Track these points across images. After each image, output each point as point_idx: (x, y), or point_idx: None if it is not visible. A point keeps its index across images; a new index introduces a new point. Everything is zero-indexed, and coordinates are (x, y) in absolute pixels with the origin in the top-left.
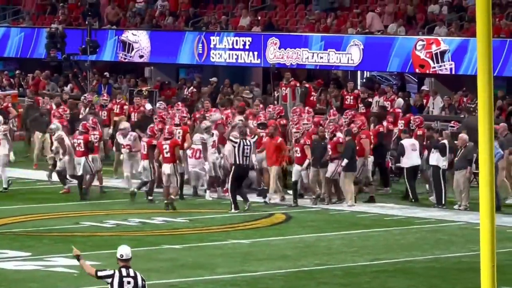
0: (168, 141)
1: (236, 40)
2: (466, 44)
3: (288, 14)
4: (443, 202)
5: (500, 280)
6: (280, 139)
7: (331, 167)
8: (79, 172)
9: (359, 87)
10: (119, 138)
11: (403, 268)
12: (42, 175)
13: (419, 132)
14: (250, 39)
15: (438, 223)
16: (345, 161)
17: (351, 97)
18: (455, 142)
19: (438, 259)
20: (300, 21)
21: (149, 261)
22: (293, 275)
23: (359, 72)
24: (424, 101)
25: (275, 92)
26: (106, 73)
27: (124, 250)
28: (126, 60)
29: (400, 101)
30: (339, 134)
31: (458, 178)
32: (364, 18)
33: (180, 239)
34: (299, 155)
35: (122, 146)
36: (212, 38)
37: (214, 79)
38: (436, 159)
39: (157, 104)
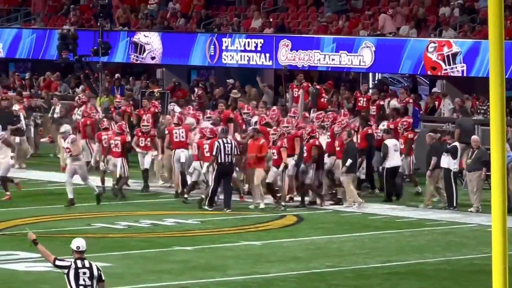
0: (209, 141)
1: (248, 42)
2: (478, 46)
3: (300, 16)
4: (455, 204)
5: None
6: (262, 141)
7: (309, 172)
8: (117, 173)
9: (370, 89)
10: (61, 141)
11: (414, 270)
12: (53, 176)
13: (410, 135)
14: (262, 41)
15: (449, 225)
16: (349, 161)
17: (364, 99)
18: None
19: (450, 261)
20: (312, 23)
21: (161, 263)
22: (305, 277)
23: (370, 74)
24: (436, 103)
25: (286, 94)
26: (118, 75)
27: (80, 242)
28: (138, 62)
29: (393, 102)
30: (323, 137)
31: (471, 180)
32: (376, 20)
33: (191, 241)
34: (276, 157)
35: (64, 149)
36: (224, 39)
37: (230, 80)
38: (447, 162)
39: (169, 106)
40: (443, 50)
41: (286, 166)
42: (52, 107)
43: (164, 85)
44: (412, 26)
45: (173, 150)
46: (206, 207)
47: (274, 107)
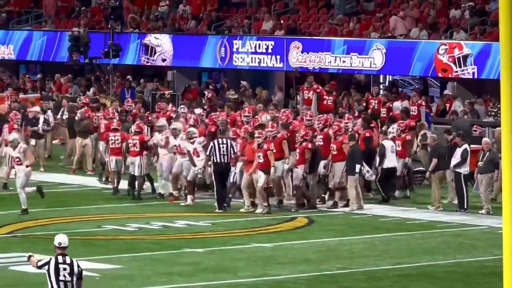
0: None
1: (259, 44)
2: (488, 48)
3: (310, 18)
4: (465, 207)
5: None
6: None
7: (297, 173)
8: (135, 172)
9: (381, 91)
10: (10, 150)
11: (425, 272)
12: (64, 178)
13: (408, 137)
14: (272, 43)
15: (460, 227)
16: (358, 166)
17: (376, 101)
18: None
19: (460, 263)
20: (323, 25)
21: (171, 265)
22: (316, 279)
23: (381, 76)
24: (447, 105)
25: (297, 96)
26: (129, 77)
27: (62, 238)
28: (149, 64)
29: (396, 105)
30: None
31: (483, 182)
32: (386, 22)
33: (202, 243)
34: (261, 160)
35: (12, 159)
36: (234, 42)
37: (244, 82)
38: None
39: (179, 109)
40: (454, 52)
41: (274, 170)
42: (62, 109)
43: (175, 87)
44: (422, 28)
45: None
46: (217, 210)
47: (285, 109)
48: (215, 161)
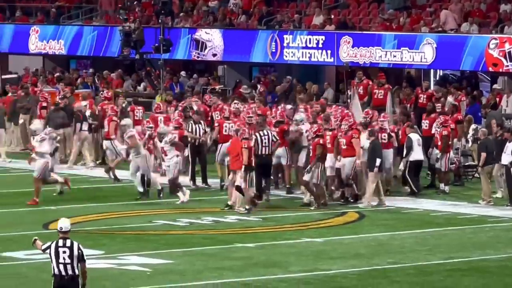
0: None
1: (309, 39)
2: None
3: (361, 12)
4: None
5: None
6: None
7: (315, 171)
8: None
9: (432, 86)
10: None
11: (476, 267)
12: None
13: (445, 132)
14: (323, 37)
15: (511, 221)
16: (378, 160)
17: (424, 96)
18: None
19: None
20: (373, 19)
21: (222, 260)
22: (366, 274)
23: (432, 71)
24: (497, 99)
25: (348, 91)
26: (183, 72)
27: (63, 223)
28: (199, 59)
29: (450, 100)
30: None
31: None
32: (437, 17)
33: (253, 238)
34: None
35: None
36: (285, 36)
37: (288, 77)
38: (507, 159)
39: (233, 104)
40: (505, 47)
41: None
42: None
43: (225, 82)
44: (473, 23)
45: (220, 144)
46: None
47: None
48: (257, 153)
